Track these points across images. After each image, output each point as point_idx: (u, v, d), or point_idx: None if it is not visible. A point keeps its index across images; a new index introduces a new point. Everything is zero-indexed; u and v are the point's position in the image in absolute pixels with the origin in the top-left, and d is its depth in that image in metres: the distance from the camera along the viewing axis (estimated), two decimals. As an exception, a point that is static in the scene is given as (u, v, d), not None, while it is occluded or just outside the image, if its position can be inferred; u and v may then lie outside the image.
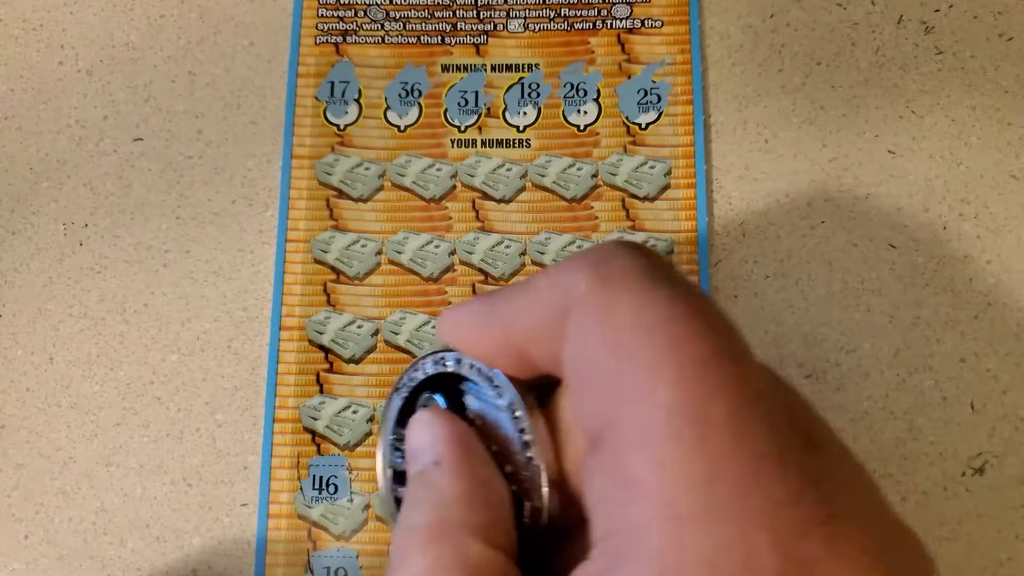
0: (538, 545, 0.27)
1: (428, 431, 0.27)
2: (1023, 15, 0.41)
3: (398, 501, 0.28)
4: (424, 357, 0.29)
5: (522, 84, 0.41)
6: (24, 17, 0.44)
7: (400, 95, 0.41)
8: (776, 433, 0.21)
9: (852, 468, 0.22)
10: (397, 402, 0.30)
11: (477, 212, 0.39)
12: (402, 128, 0.40)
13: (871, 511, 0.21)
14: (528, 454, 0.27)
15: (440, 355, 0.29)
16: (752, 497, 0.20)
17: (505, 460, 0.27)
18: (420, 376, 0.29)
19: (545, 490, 0.27)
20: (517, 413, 0.27)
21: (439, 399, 0.29)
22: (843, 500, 0.21)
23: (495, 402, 0.28)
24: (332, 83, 0.41)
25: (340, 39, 0.41)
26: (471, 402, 0.28)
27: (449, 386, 0.29)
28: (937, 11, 0.41)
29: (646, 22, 0.41)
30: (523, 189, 0.40)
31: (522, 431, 0.27)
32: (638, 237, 0.39)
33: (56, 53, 0.43)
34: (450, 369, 0.29)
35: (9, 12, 0.44)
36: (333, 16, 0.42)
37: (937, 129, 0.40)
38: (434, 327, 0.38)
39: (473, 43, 0.41)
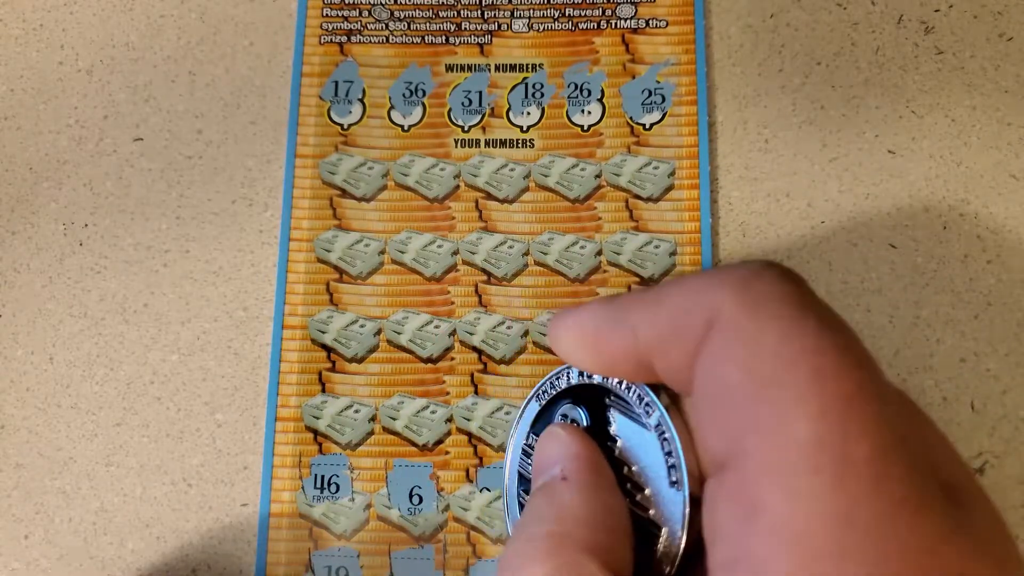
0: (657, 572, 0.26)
1: (559, 445, 0.27)
2: (1023, 15, 0.41)
3: (521, 505, 0.29)
4: (567, 367, 0.29)
5: (526, 84, 0.41)
6: (24, 17, 0.44)
7: (404, 95, 0.41)
8: (917, 479, 0.21)
9: (990, 521, 0.22)
10: (534, 408, 0.29)
11: (480, 212, 0.39)
12: (406, 128, 0.41)
13: (1006, 569, 0.21)
14: (672, 479, 0.26)
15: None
16: (888, 542, 0.20)
17: (645, 483, 0.26)
18: (563, 385, 0.29)
19: (685, 521, 0.26)
20: (666, 435, 0.26)
21: (581, 412, 0.28)
22: (979, 556, 0.20)
23: (643, 420, 0.27)
24: (336, 83, 0.41)
25: (344, 39, 0.41)
26: (616, 418, 0.28)
27: (592, 398, 0.28)
28: (937, 11, 0.41)
29: (651, 22, 0.41)
30: (526, 189, 0.40)
31: (669, 454, 0.26)
32: (641, 238, 0.39)
33: (56, 53, 0.43)
34: (596, 382, 0.28)
35: (9, 12, 0.44)
36: (338, 16, 0.42)
37: (937, 129, 0.40)
38: (437, 327, 0.38)
39: (477, 43, 0.41)
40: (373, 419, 0.38)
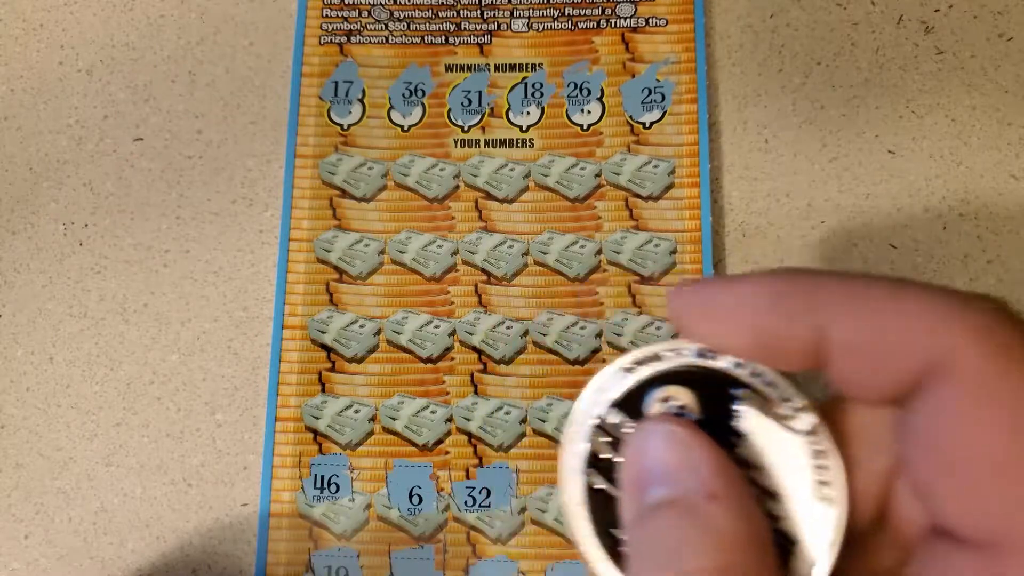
0: None
1: (685, 452, 0.23)
2: (1023, 15, 0.41)
3: (588, 486, 0.24)
4: (679, 342, 0.25)
5: (525, 84, 0.41)
6: (24, 17, 0.44)
7: (404, 95, 0.41)
8: None
9: None
10: (620, 378, 0.25)
11: (480, 212, 0.39)
12: (405, 128, 0.41)
13: None
14: (823, 494, 0.23)
15: (710, 349, 0.24)
16: None
17: (778, 490, 0.23)
18: (671, 362, 0.25)
19: (838, 542, 0.23)
20: (820, 446, 0.23)
21: (692, 399, 0.24)
22: None
23: (787, 423, 0.24)
24: (336, 83, 0.41)
25: (344, 39, 0.41)
26: (746, 413, 0.24)
27: (710, 385, 0.24)
28: (937, 11, 0.41)
29: (650, 21, 0.41)
30: (526, 189, 0.40)
31: (823, 467, 0.23)
32: (641, 237, 0.39)
33: (56, 53, 0.43)
34: (722, 367, 0.24)
35: (9, 12, 0.44)
36: (338, 16, 0.42)
37: (937, 129, 0.40)
38: (436, 327, 0.38)
39: (477, 43, 0.41)
40: (373, 419, 0.38)
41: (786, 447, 0.24)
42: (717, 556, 0.21)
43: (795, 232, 0.39)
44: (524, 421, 0.37)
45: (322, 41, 0.41)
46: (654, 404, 0.24)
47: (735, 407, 0.24)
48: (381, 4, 0.42)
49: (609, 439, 0.24)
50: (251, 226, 0.40)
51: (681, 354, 0.24)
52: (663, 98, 0.40)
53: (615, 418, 0.25)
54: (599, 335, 0.38)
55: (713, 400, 0.24)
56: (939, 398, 0.20)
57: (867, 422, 0.24)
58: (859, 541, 0.24)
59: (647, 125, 0.40)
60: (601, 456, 0.24)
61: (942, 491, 0.21)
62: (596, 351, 0.38)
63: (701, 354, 0.24)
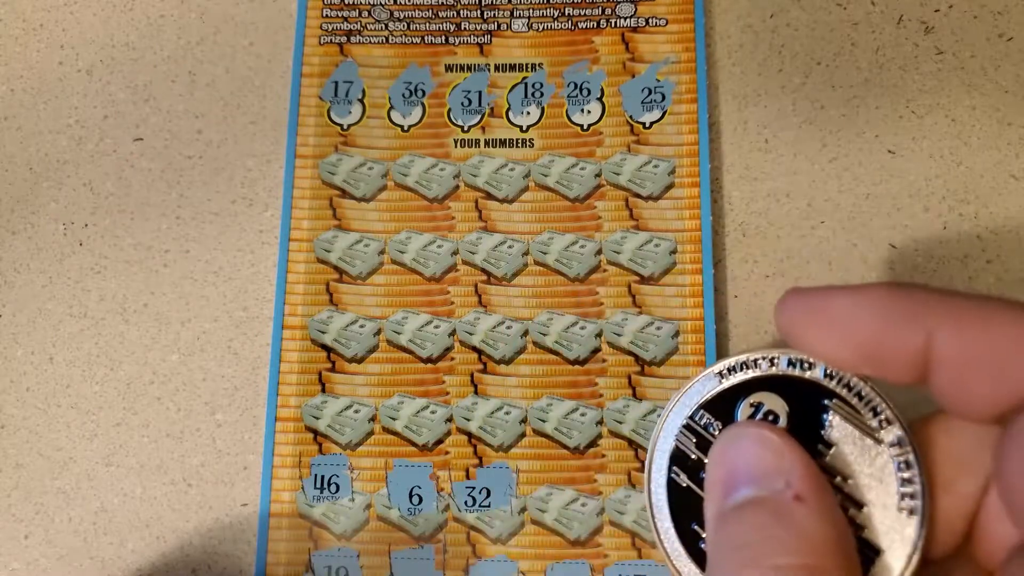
0: None
1: (775, 454, 0.24)
2: (1023, 15, 0.41)
3: (671, 483, 0.26)
4: (771, 351, 0.26)
5: (525, 84, 0.41)
6: (24, 17, 0.44)
7: (404, 95, 0.41)
8: None
9: None
10: (712, 384, 0.26)
11: (480, 212, 0.39)
12: (405, 128, 0.41)
13: None
14: (905, 505, 0.24)
15: (802, 358, 0.26)
16: None
17: (863, 500, 0.24)
18: (763, 369, 0.26)
19: (917, 553, 0.24)
20: (906, 458, 0.24)
21: (783, 406, 0.25)
22: None
23: (874, 434, 0.25)
24: (336, 83, 0.41)
25: (344, 39, 0.41)
26: (835, 422, 0.25)
27: (802, 394, 0.25)
28: (937, 11, 0.41)
29: (650, 20, 0.41)
30: (526, 189, 0.40)
31: (908, 480, 0.24)
32: (641, 237, 0.39)
33: (56, 53, 0.43)
34: (814, 377, 0.25)
35: (9, 12, 0.44)
36: (337, 16, 0.42)
37: (937, 129, 0.40)
38: (436, 327, 0.38)
39: (477, 43, 0.41)
40: (373, 419, 0.38)
41: (872, 458, 0.24)
42: (803, 556, 0.22)
43: (795, 232, 0.39)
44: (524, 421, 0.37)
45: (322, 41, 0.41)
46: (745, 409, 0.26)
47: (824, 416, 0.25)
48: (381, 4, 0.42)
49: (696, 439, 0.26)
50: (251, 226, 0.40)
51: (773, 363, 0.26)
52: (663, 98, 0.40)
53: (704, 420, 0.26)
54: (599, 335, 0.38)
55: (803, 409, 0.25)
56: None
57: (963, 440, 0.24)
58: (942, 558, 0.24)
59: (647, 125, 0.40)
60: (688, 455, 0.26)
61: None
62: (596, 351, 0.38)
63: (792, 363, 0.26)
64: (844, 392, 0.25)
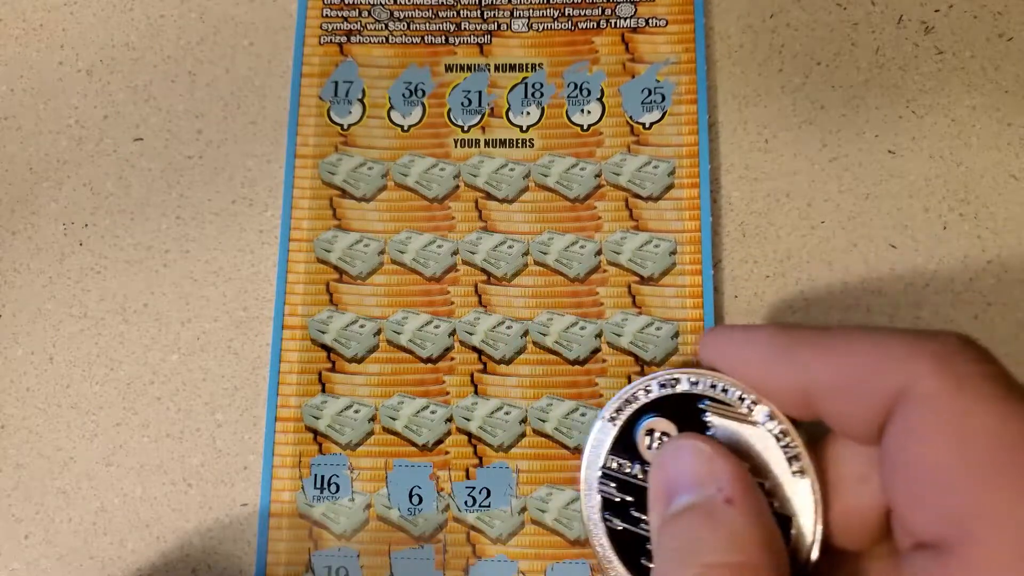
0: None
1: (706, 462, 0.26)
2: (1023, 15, 0.41)
3: (610, 530, 0.28)
4: (644, 381, 0.29)
5: (525, 84, 0.41)
6: (24, 17, 0.44)
7: (404, 95, 0.41)
8: None
9: None
10: (607, 429, 0.29)
11: (480, 212, 0.39)
12: (405, 128, 0.41)
13: None
14: (795, 468, 0.27)
15: (669, 376, 0.29)
16: None
17: (764, 477, 0.27)
18: (641, 400, 0.29)
19: (819, 506, 0.26)
20: (780, 428, 0.27)
21: (669, 425, 0.28)
22: None
23: (748, 418, 0.27)
24: (336, 83, 0.41)
25: (344, 39, 0.41)
26: (715, 421, 0.28)
27: (680, 408, 0.28)
28: (937, 11, 0.41)
29: (650, 21, 0.41)
30: (526, 189, 0.40)
31: (787, 446, 0.27)
32: (641, 237, 0.39)
33: (56, 53, 0.43)
34: (682, 390, 0.28)
35: (9, 12, 0.44)
36: (337, 16, 0.42)
37: (937, 129, 0.40)
38: (436, 327, 0.38)
39: (477, 43, 0.41)
40: (373, 419, 0.38)
41: (755, 438, 0.27)
42: (732, 554, 0.24)
43: (795, 232, 0.39)
44: (524, 421, 0.37)
45: (322, 41, 0.41)
46: (642, 438, 0.29)
47: (704, 419, 0.28)
48: (381, 4, 0.42)
49: (616, 484, 0.29)
50: (251, 226, 0.40)
51: (648, 391, 0.29)
52: (663, 99, 0.40)
53: (615, 463, 0.29)
54: (599, 335, 0.38)
55: (686, 420, 0.28)
56: (902, 421, 0.23)
57: (860, 459, 0.27)
58: (869, 547, 0.27)
59: (647, 125, 0.40)
60: (614, 500, 0.29)
61: (905, 502, 0.24)
62: (596, 351, 0.38)
63: (663, 385, 0.29)
64: (711, 392, 0.28)
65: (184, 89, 0.42)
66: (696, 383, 0.28)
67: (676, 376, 0.29)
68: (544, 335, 0.38)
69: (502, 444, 0.37)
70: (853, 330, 0.25)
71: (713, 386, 0.28)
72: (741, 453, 0.27)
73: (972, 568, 0.21)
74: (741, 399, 0.27)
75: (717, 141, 0.40)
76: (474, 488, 0.37)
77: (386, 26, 0.42)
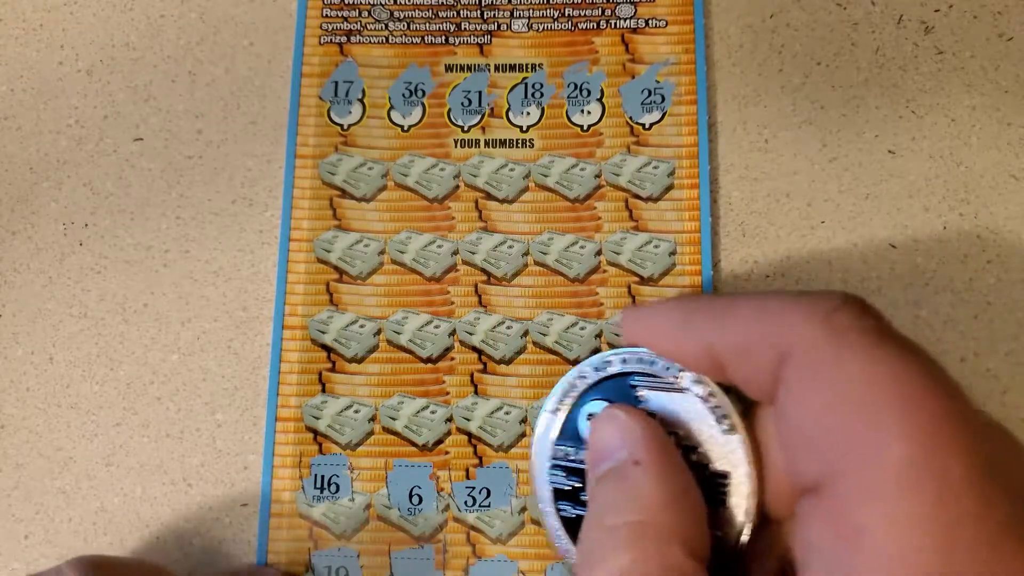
0: (731, 562, 0.27)
1: (620, 429, 0.27)
2: (1023, 15, 0.41)
3: (564, 519, 0.29)
4: (579, 368, 0.30)
5: (525, 84, 0.41)
6: (24, 17, 0.44)
7: (404, 95, 0.41)
8: (1015, 502, 0.21)
9: None
10: (551, 420, 0.30)
11: (480, 212, 0.39)
12: (405, 128, 0.40)
13: None
14: (724, 426, 0.28)
15: (602, 359, 0.30)
16: (993, 565, 0.20)
17: (697, 440, 0.28)
18: (580, 390, 0.30)
19: (750, 456, 0.27)
20: (703, 390, 0.28)
21: (606, 405, 0.29)
22: None
23: (676, 385, 0.29)
24: (336, 83, 0.41)
25: (344, 39, 0.41)
26: (647, 395, 0.29)
27: (615, 388, 0.30)
28: (937, 11, 0.41)
29: (650, 22, 0.41)
30: (526, 189, 0.40)
31: (715, 407, 0.28)
32: (641, 238, 0.39)
33: (56, 53, 0.43)
34: (614, 371, 0.30)
35: (9, 12, 0.44)
36: (337, 16, 0.42)
37: (937, 129, 0.40)
38: (436, 327, 0.38)
39: (477, 43, 0.41)
40: (373, 419, 0.38)
41: (685, 404, 0.28)
42: (635, 514, 0.25)
43: (795, 232, 0.39)
44: (524, 421, 0.37)
45: (322, 41, 0.41)
46: (585, 424, 0.30)
47: (637, 394, 0.29)
48: (381, 4, 0.42)
49: (565, 472, 0.30)
50: (251, 226, 0.40)
51: (584, 376, 0.30)
52: (663, 99, 0.40)
53: (561, 452, 0.30)
54: (599, 335, 0.38)
55: (621, 397, 0.29)
56: (786, 377, 0.24)
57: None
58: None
59: (647, 126, 0.40)
60: (564, 488, 0.30)
61: (791, 455, 0.25)
62: (596, 351, 0.38)
63: (597, 368, 0.30)
64: (641, 368, 0.29)
65: (184, 89, 0.42)
66: (626, 361, 0.29)
67: (608, 358, 0.30)
68: (544, 335, 0.38)
69: (502, 444, 0.37)
70: (745, 296, 0.27)
71: (641, 360, 0.29)
72: (672, 420, 0.28)
73: (843, 501, 0.22)
74: (668, 368, 0.29)
75: (717, 141, 0.40)
76: (474, 488, 0.37)
77: (386, 26, 0.42)
